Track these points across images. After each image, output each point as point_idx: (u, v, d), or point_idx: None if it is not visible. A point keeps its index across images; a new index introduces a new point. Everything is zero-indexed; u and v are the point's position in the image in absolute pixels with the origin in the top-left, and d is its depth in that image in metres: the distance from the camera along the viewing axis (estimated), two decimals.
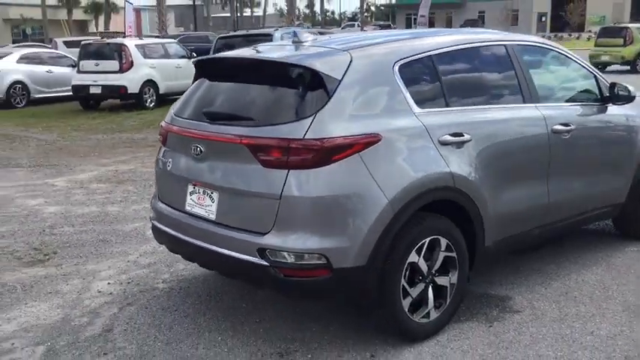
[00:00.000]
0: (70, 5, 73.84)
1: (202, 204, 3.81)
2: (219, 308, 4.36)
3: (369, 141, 3.50)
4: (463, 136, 3.89)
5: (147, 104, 15.97)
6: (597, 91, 4.99)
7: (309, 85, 3.56)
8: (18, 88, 16.93)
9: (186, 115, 4.02)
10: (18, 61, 17.23)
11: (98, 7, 71.27)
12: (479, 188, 3.93)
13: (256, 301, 4.42)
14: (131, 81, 15.49)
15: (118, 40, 16.48)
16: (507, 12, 62.96)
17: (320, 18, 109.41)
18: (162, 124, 4.23)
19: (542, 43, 4.87)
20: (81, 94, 16.08)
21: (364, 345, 3.78)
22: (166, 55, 16.72)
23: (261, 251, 3.46)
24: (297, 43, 4.08)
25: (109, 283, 4.84)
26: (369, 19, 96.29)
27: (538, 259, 5.08)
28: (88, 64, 15.82)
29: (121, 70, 15.45)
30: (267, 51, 4.25)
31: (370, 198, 3.45)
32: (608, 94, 4.95)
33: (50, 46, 28.62)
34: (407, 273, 3.69)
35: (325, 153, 3.38)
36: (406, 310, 3.71)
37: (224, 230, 3.66)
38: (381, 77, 3.72)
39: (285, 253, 3.42)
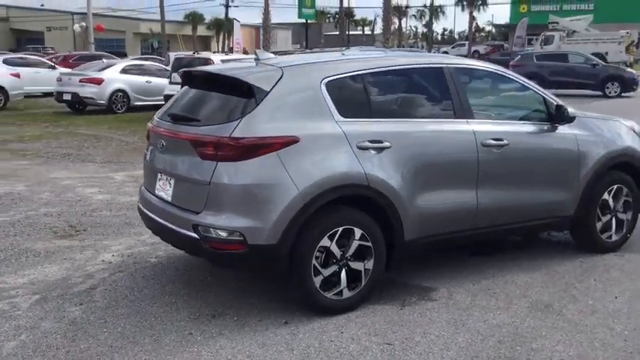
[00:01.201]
0: (194, 22, 78.42)
1: (164, 188, 4.69)
2: (187, 279, 5.21)
3: (288, 141, 4.25)
4: (382, 143, 4.54)
5: None
6: (545, 112, 5.45)
7: (243, 94, 4.37)
8: (119, 96, 18.71)
9: (162, 116, 4.93)
10: (121, 72, 19.04)
11: (219, 23, 75.14)
12: (396, 189, 4.56)
13: (217, 276, 5.23)
14: None
15: (206, 54, 17.89)
16: None
17: (439, 37, 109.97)
18: (149, 124, 5.15)
19: (488, 68, 5.43)
20: None
21: (283, 313, 4.51)
22: None
23: (195, 227, 4.30)
24: (257, 60, 4.90)
25: (113, 255, 5.82)
26: (488, 38, 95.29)
27: (485, 261, 5.58)
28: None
29: None
30: (226, 66, 5.10)
31: (283, 189, 4.20)
32: (553, 115, 5.40)
33: (164, 59, 30.92)
34: (321, 255, 4.39)
35: (247, 149, 4.18)
36: (317, 286, 4.40)
37: (175, 210, 4.53)
38: (307, 90, 4.47)
39: (212, 229, 4.23)
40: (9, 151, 11.95)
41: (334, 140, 4.41)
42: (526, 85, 5.48)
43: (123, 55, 49.81)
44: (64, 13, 74.81)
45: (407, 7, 74.84)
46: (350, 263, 4.51)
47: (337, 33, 67.51)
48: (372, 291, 4.69)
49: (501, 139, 5.07)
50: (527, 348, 4.04)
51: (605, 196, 5.71)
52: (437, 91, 5.05)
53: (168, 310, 4.63)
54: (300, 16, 60.17)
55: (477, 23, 68.24)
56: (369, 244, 4.55)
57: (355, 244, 4.50)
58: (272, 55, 5.01)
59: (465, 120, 4.99)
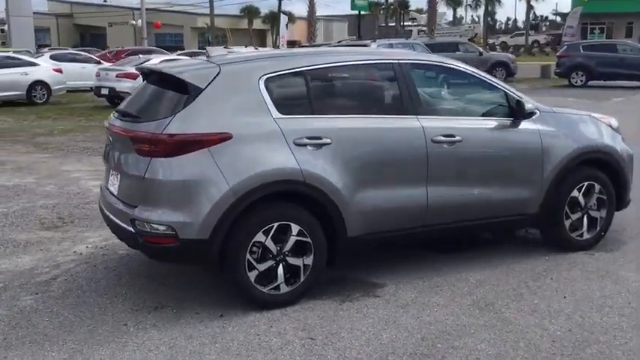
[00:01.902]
0: (250, 16, 79.29)
1: (114, 184, 4.84)
2: (147, 272, 5.33)
3: (220, 138, 4.33)
4: (322, 139, 4.56)
5: None
6: (506, 107, 5.34)
7: (180, 91, 4.47)
8: None
9: (115, 113, 5.07)
10: None
11: (274, 17, 75.55)
12: (336, 185, 4.57)
13: (177, 269, 5.33)
14: None
15: (237, 48, 18.13)
16: None
17: (503, 26, 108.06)
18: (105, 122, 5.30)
19: (445, 63, 5.35)
20: None
21: (220, 306, 4.59)
22: None
23: (132, 221, 4.42)
24: (208, 57, 4.98)
25: (87, 247, 6.02)
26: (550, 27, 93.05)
27: (446, 258, 5.53)
28: None
29: None
30: (171, 63, 5.20)
31: (214, 185, 4.28)
32: (514, 110, 5.29)
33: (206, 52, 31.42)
34: (258, 250, 4.45)
35: (178, 145, 4.27)
36: (252, 281, 4.46)
37: (119, 204, 4.67)
38: (244, 87, 4.52)
39: (145, 224, 4.35)
40: (34, 144, 12.43)
41: (269, 137, 4.46)
42: (485, 80, 5.38)
43: (180, 49, 50.83)
44: (125, 8, 76.69)
45: None
46: (287, 259, 4.55)
47: (392, 24, 67.16)
48: (313, 286, 4.71)
49: (453, 135, 5.01)
50: (448, 345, 4.01)
51: (575, 193, 5.56)
52: (385, 87, 5.04)
53: (115, 301, 4.77)
54: (352, 8, 60.04)
55: (534, 12, 66.65)
56: (308, 239, 4.57)
57: (292, 239, 4.53)
58: (224, 52, 5.09)
59: (415, 116, 4.94)
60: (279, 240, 4.51)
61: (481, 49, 28.95)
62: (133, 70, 18.77)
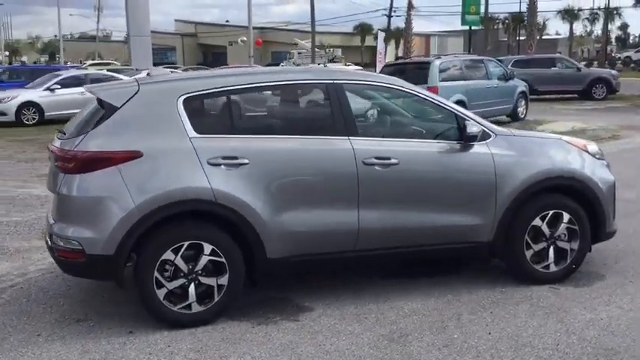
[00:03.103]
0: (363, 33, 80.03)
1: (51, 201, 5.03)
2: (96, 286, 5.43)
3: (129, 156, 4.41)
4: (238, 159, 4.53)
5: None
6: (455, 129, 5.07)
7: (99, 109, 4.60)
8: None
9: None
10: None
11: (389, 34, 75.65)
12: (252, 205, 4.52)
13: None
14: None
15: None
16: None
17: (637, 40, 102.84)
18: None
19: (386, 83, 5.15)
20: None
21: (131, 323, 4.64)
22: None
23: (50, 236, 4.58)
24: (148, 77, 5.09)
25: None
26: None
27: (394, 284, 5.30)
28: None
29: None
30: (105, 83, 5.33)
31: (120, 202, 4.36)
32: (462, 132, 5.01)
33: None
34: (170, 268, 4.47)
35: (86, 162, 4.39)
36: (161, 298, 4.49)
37: (50, 219, 4.84)
38: (160, 107, 4.58)
39: (59, 238, 4.50)
40: None
41: (182, 156, 4.48)
42: (434, 101, 5.13)
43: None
44: (243, 27, 79.53)
45: (579, 9, 70.46)
46: (200, 278, 4.54)
47: (504, 39, 65.49)
48: (229, 306, 4.66)
49: (389, 158, 4.81)
50: None
51: (537, 222, 5.18)
52: (314, 108, 4.95)
53: (47, 311, 4.95)
54: (463, 24, 59.08)
55: None
56: (222, 259, 4.54)
57: (205, 259, 4.52)
58: (167, 72, 5.18)
59: (347, 137, 4.79)
60: (191, 259, 4.51)
61: (579, 65, 27.51)
62: None
